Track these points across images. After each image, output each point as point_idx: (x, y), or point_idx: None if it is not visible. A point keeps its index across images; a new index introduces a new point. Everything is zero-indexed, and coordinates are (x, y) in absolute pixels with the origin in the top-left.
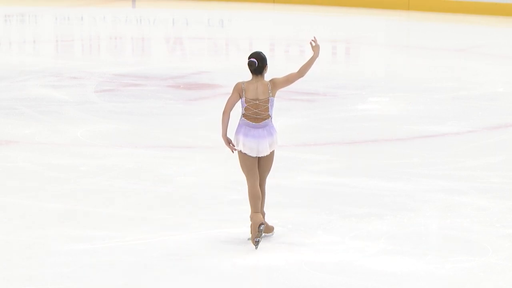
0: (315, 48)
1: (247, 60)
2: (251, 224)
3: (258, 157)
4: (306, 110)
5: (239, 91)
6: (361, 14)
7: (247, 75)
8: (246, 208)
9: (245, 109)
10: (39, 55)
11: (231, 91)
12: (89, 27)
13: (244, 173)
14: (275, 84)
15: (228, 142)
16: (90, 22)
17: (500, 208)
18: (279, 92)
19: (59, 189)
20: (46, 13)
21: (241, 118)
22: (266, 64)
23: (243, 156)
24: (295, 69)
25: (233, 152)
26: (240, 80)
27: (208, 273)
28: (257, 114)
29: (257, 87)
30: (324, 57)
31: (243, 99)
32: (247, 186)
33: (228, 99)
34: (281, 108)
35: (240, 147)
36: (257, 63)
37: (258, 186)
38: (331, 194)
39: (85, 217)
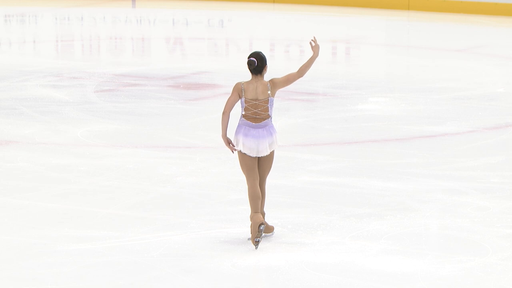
0: (315, 48)
1: (246, 60)
2: (251, 224)
3: (258, 157)
4: (306, 110)
5: (239, 91)
6: (361, 14)
7: (247, 75)
8: (246, 208)
9: (245, 109)
10: (39, 55)
11: (230, 91)
12: (89, 27)
13: (244, 173)
14: (275, 84)
15: (228, 142)
16: (90, 22)
17: (500, 208)
18: (279, 92)
19: (59, 189)
20: (46, 13)
21: (240, 118)
22: (266, 64)
23: (243, 156)
24: (295, 69)
25: (233, 152)
26: (240, 80)
27: (208, 273)
28: (256, 114)
29: (257, 87)
30: (324, 57)
31: (243, 99)
32: (247, 186)
33: (228, 99)
34: (281, 108)
35: (240, 147)
36: (257, 63)
37: (258, 186)
38: (331, 194)
39: (85, 217)
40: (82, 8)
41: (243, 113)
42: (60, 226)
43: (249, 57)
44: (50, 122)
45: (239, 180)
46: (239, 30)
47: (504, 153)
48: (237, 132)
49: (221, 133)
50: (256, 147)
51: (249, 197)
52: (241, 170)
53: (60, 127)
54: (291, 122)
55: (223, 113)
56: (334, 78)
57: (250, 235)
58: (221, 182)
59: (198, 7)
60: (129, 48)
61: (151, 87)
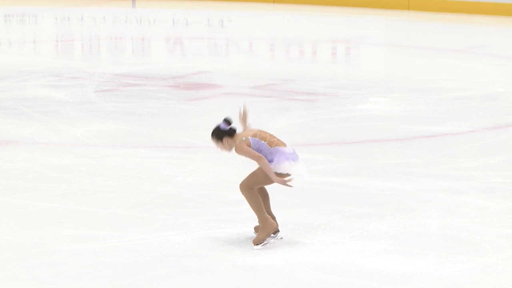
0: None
1: (224, 126)
2: (260, 227)
3: None
4: (306, 110)
5: (248, 143)
6: (361, 14)
7: (247, 75)
8: (246, 208)
9: (266, 138)
10: (39, 55)
11: (230, 91)
12: (89, 27)
13: (255, 184)
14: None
15: (282, 177)
16: (90, 22)
17: (500, 208)
18: (279, 92)
19: (59, 189)
20: (46, 13)
21: (271, 153)
22: (223, 136)
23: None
24: (294, 69)
25: (291, 186)
26: (242, 139)
27: (208, 273)
28: (274, 136)
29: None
30: (324, 57)
31: (260, 142)
32: (249, 195)
33: (250, 151)
34: (281, 108)
35: (293, 172)
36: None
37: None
38: (331, 194)
39: (85, 217)
40: (82, 8)
41: (267, 142)
42: (60, 226)
43: (222, 123)
44: (50, 122)
45: (239, 180)
46: (239, 30)
47: (504, 153)
48: (281, 160)
49: (271, 176)
50: (306, 170)
51: (255, 206)
52: (254, 183)
53: (60, 127)
54: (291, 122)
55: (260, 157)
56: (334, 78)
57: (252, 235)
58: (221, 182)
59: (198, 7)
60: (129, 48)
61: (151, 87)
